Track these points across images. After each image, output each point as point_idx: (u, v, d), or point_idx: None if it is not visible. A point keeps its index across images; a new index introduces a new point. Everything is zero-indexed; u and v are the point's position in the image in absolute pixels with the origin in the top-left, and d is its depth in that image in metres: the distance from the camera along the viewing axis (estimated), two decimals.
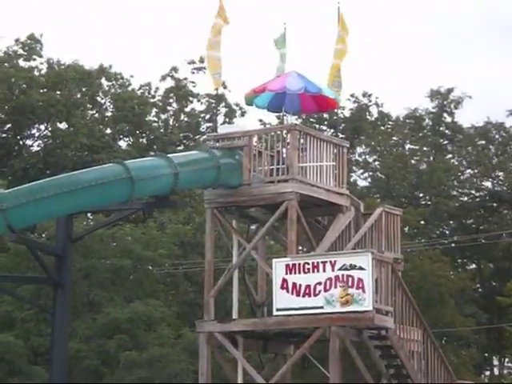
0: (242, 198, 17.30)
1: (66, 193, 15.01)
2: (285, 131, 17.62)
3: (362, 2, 56.30)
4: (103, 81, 40.35)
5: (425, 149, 44.02)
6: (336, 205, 17.70)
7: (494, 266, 42.36)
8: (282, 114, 20.02)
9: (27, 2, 55.44)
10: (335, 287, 15.78)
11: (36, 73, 38.80)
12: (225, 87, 40.11)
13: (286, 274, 16.16)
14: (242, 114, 41.28)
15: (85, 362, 26.48)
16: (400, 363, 16.62)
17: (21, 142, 39.18)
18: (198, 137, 40.88)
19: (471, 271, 41.83)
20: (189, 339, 27.80)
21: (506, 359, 41.28)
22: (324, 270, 15.92)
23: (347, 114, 44.43)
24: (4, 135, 38.61)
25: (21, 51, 38.76)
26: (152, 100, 41.48)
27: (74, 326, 26.44)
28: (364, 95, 44.73)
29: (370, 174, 43.92)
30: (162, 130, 40.88)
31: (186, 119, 41.74)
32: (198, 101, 41.95)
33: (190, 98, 41.86)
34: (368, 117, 44.92)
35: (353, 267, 15.74)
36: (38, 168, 36.71)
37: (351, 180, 40.91)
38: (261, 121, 39.92)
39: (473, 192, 43.19)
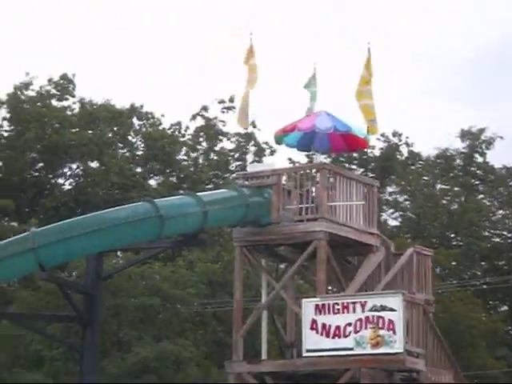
0: (270, 236, 17.25)
1: (95, 231, 15.08)
2: (314, 170, 17.60)
3: (393, 37, 56.56)
4: (134, 120, 40.74)
5: (456, 189, 43.75)
6: (366, 244, 17.57)
7: None
8: (311, 153, 20.03)
9: (59, 41, 56.33)
10: (365, 328, 15.61)
11: (68, 112, 39.26)
12: (254, 126, 40.30)
13: (316, 314, 16.03)
14: (272, 153, 41.38)
15: None
16: None
17: (53, 181, 39.54)
18: (227, 175, 40.98)
19: (503, 313, 41.26)
20: (217, 380, 27.59)
21: None
22: (354, 311, 15.78)
23: (377, 153, 44.37)
24: (36, 174, 39.01)
25: (54, 91, 39.29)
26: (182, 139, 41.75)
27: (103, 365, 26.38)
28: (394, 135, 44.68)
29: (401, 213, 43.67)
30: (191, 169, 41.07)
31: (215, 158, 41.93)
32: (228, 139, 42.16)
33: (220, 137, 42.08)
34: (398, 156, 44.82)
35: (383, 308, 15.57)
36: (70, 207, 36.96)
37: (381, 220, 40.70)
38: (290, 160, 39.98)
39: (505, 233, 42.76)
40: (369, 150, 42.52)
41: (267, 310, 17.69)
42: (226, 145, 42.23)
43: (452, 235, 43.36)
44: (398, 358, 15.45)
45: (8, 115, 38.64)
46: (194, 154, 41.98)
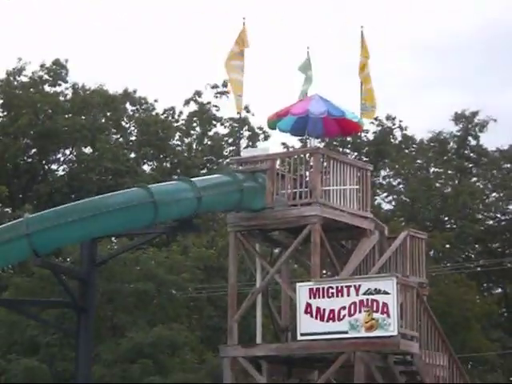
0: (265, 221, 17.26)
1: (89, 217, 15.07)
2: (308, 154, 17.59)
3: (387, 23, 56.40)
4: (128, 105, 40.62)
5: (449, 172, 43.77)
6: (360, 228, 17.60)
7: None
8: (305, 137, 20.01)
9: (52, 27, 56.05)
10: (360, 312, 15.65)
11: (61, 98, 39.13)
12: (248, 111, 40.23)
13: (310, 298, 16.05)
14: (265, 138, 41.34)
15: None
16: None
17: (46, 167, 39.46)
18: (221, 160, 40.95)
19: (497, 295, 41.39)
20: (212, 364, 27.66)
21: None
22: (348, 295, 15.80)
23: (371, 137, 44.36)
24: (29, 160, 38.92)
25: (46, 77, 39.13)
26: (176, 124, 41.66)
27: (98, 351, 26.41)
28: (388, 118, 44.65)
29: (395, 197, 43.70)
30: (185, 154, 41.01)
31: (209, 143, 41.86)
32: (222, 125, 42.08)
33: (214, 122, 42.00)
34: (392, 140, 44.81)
35: (377, 292, 15.60)
36: (63, 192, 36.91)
37: (375, 203, 40.71)
38: (284, 144, 39.96)
39: (498, 215, 42.83)
40: (362, 134, 42.48)
41: (262, 295, 17.72)
42: (220, 130, 42.22)
43: (446, 218, 43.43)
44: (393, 341, 15.49)
45: (1, 101, 38.51)
46: (187, 140, 41.90)
